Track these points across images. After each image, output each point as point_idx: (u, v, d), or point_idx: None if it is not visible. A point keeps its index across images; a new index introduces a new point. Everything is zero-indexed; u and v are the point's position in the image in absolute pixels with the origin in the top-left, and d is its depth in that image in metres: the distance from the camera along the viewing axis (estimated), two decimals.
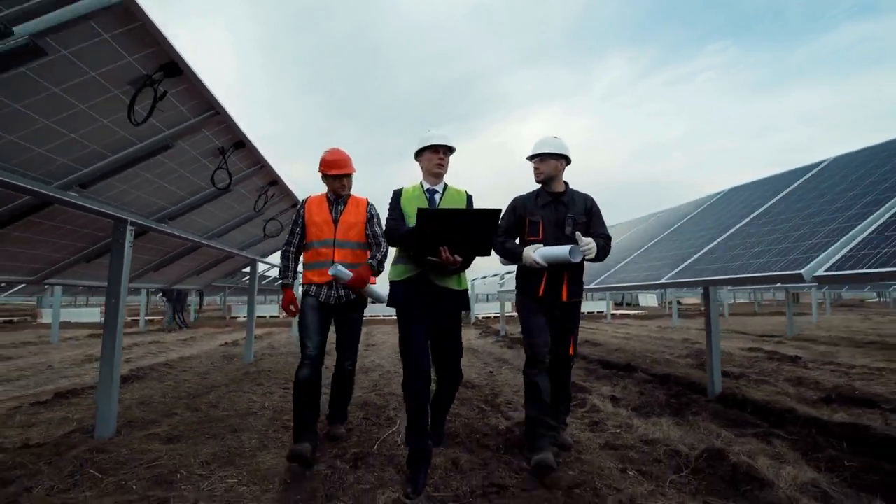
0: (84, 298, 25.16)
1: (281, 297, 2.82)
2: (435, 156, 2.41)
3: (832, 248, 2.36)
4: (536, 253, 2.39)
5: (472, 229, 2.19)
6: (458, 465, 2.32)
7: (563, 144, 2.61)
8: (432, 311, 2.34)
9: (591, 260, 2.48)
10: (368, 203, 2.87)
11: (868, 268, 2.02)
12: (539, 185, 2.68)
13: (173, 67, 2.24)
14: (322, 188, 2.82)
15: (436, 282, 2.33)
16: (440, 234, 2.16)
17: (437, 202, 2.43)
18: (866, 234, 2.32)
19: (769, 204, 3.58)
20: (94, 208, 2.63)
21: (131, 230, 2.87)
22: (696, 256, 3.45)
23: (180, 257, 4.87)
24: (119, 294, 2.82)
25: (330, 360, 2.86)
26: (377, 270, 2.73)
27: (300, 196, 4.38)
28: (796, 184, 3.62)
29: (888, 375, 4.63)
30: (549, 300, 2.54)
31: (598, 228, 2.61)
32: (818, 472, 2.19)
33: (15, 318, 14.98)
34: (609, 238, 2.63)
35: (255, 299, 6.24)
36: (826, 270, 2.24)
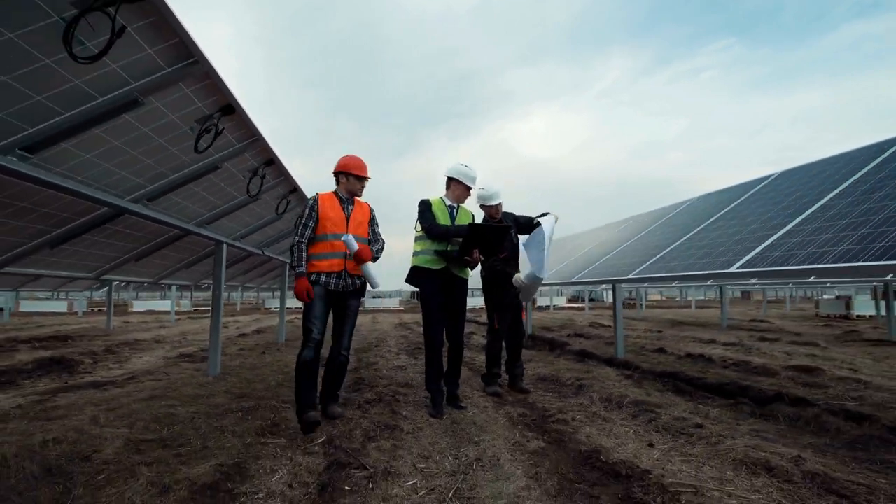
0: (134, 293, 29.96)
1: (294, 284, 2.94)
2: (466, 192, 3.42)
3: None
4: (524, 277, 3.61)
5: (494, 239, 3.28)
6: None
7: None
8: (448, 293, 3.30)
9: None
10: (370, 206, 3.28)
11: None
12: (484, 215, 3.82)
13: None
14: (328, 187, 3.16)
15: (454, 272, 3.30)
16: (477, 241, 3.15)
17: (455, 216, 3.39)
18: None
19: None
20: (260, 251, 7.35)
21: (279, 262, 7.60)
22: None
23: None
24: (284, 292, 7.55)
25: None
26: (375, 257, 3.15)
27: (307, 192, 5.27)
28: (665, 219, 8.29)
29: (631, 330, 9.35)
30: (507, 294, 3.79)
31: (526, 218, 3.89)
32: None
33: (103, 309, 19.69)
34: (530, 219, 3.85)
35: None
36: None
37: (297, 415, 2.92)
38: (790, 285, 13.43)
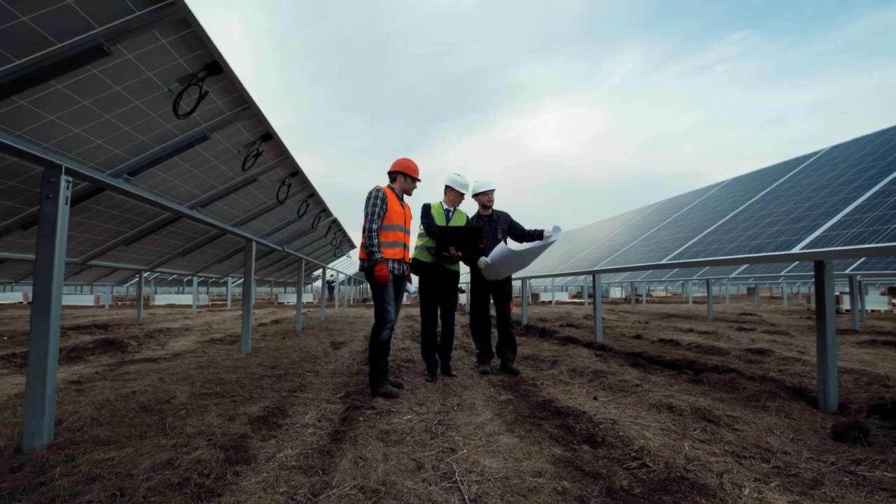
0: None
1: (375, 269, 3.24)
2: (460, 197, 4.00)
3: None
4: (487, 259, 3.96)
5: (467, 238, 3.84)
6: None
7: None
8: (442, 283, 3.94)
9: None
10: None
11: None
12: (477, 211, 4.33)
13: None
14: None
15: (444, 265, 3.92)
16: (450, 239, 3.77)
17: (451, 218, 3.98)
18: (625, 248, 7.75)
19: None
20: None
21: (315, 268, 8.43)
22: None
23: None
24: (300, 285, 8.38)
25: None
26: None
27: (323, 196, 6.44)
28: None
29: (615, 320, 10.05)
30: (493, 284, 4.27)
31: (522, 226, 4.34)
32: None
33: (126, 302, 20.76)
34: (523, 228, 4.34)
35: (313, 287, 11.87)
36: (601, 266, 7.68)
37: (375, 386, 3.36)
38: (780, 280, 13.97)
